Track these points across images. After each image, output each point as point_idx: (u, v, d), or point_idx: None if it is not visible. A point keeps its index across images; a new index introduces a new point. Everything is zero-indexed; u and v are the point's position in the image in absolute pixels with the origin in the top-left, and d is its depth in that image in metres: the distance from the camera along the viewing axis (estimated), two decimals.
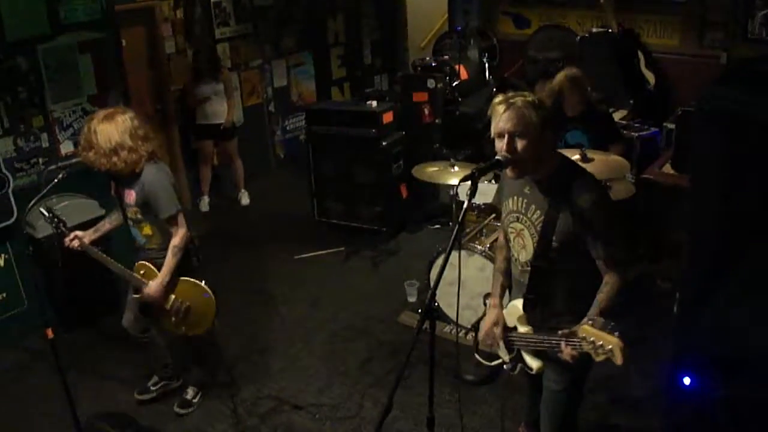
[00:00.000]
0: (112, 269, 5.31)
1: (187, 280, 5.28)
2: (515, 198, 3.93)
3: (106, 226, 5.41)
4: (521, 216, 3.89)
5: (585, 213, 3.66)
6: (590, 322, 3.49)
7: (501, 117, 3.64)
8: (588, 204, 3.67)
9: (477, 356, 4.65)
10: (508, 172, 3.77)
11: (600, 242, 3.71)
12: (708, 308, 2.85)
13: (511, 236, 4.00)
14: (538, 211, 3.80)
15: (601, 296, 3.73)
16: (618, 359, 3.34)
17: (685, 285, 3.19)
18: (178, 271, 5.22)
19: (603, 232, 3.70)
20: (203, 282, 5.30)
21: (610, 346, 3.34)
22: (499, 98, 3.71)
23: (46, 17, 6.96)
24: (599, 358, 3.42)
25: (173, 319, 5.33)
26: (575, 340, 3.54)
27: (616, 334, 3.35)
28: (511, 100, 3.64)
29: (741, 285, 2.75)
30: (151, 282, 5.20)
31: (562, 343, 3.63)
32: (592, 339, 3.41)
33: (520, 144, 3.63)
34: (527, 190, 3.86)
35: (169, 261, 5.15)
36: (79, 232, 5.24)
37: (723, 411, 2.94)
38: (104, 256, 5.30)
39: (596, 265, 3.79)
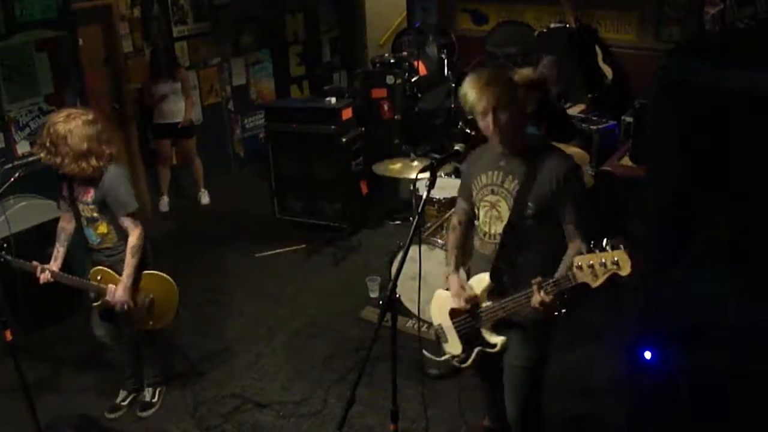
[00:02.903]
0: (81, 288, 5.27)
1: (146, 273, 5.26)
2: (490, 172, 4.00)
3: (60, 251, 5.29)
4: (497, 188, 3.96)
5: (560, 179, 3.78)
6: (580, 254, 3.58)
7: (483, 95, 3.70)
8: (563, 170, 3.81)
9: (426, 353, 4.67)
10: (497, 146, 3.86)
11: (571, 207, 3.82)
12: (667, 282, 2.88)
13: (483, 210, 4.05)
14: (516, 181, 3.88)
15: (568, 259, 3.80)
16: (626, 267, 3.36)
17: (646, 258, 3.22)
18: (137, 268, 5.19)
19: (575, 198, 3.82)
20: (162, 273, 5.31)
21: (615, 257, 3.37)
22: (477, 77, 3.77)
23: (1, 15, 6.88)
24: (599, 281, 3.46)
25: (137, 315, 5.30)
26: (566, 276, 3.60)
27: (621, 246, 3.37)
28: (491, 81, 3.71)
29: (700, 257, 2.78)
30: (111, 287, 5.15)
31: (535, 289, 3.69)
32: (590, 263, 3.45)
33: (503, 117, 3.72)
34: (503, 163, 3.95)
35: (130, 262, 5.11)
36: (46, 267, 5.16)
37: (684, 383, 2.98)
38: (75, 278, 5.25)
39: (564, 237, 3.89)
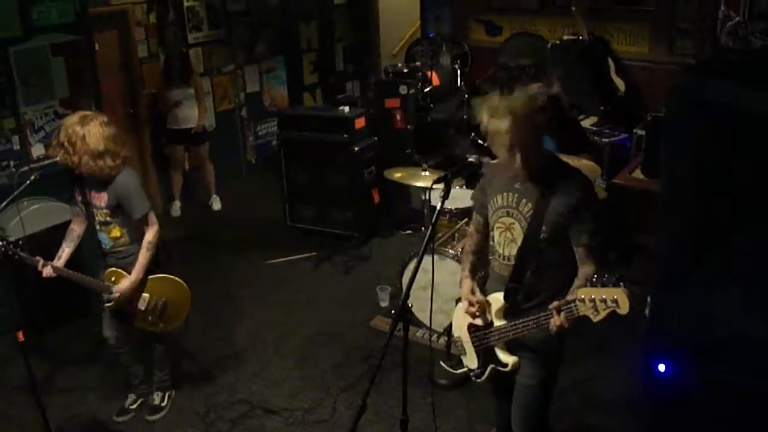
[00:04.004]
0: (84, 285, 5.30)
1: (158, 276, 5.31)
2: (505, 194, 3.98)
3: (65, 251, 5.32)
4: (512, 210, 3.95)
5: (575, 201, 3.77)
6: (586, 285, 3.58)
7: (511, 130, 3.66)
8: (579, 192, 3.80)
9: (443, 364, 4.67)
10: (519, 175, 3.85)
11: (585, 230, 3.81)
12: (682, 295, 2.89)
13: (498, 231, 4.05)
14: (530, 204, 3.87)
15: (579, 282, 3.79)
16: (624, 307, 3.38)
17: (660, 273, 3.24)
18: (148, 269, 5.24)
19: (590, 221, 3.80)
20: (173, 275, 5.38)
21: (614, 296, 3.38)
22: (497, 116, 3.72)
23: (18, 19, 6.92)
24: (600, 316, 3.47)
25: (150, 318, 5.33)
26: (569, 306, 3.60)
27: (621, 284, 3.39)
28: (519, 115, 3.66)
29: (715, 273, 2.79)
30: (122, 280, 5.19)
31: (554, 313, 3.66)
32: (592, 297, 3.46)
33: (531, 151, 3.73)
34: (518, 185, 3.93)
35: (143, 257, 5.17)
36: (48, 262, 5.16)
37: (698, 396, 2.99)
38: (77, 274, 5.28)
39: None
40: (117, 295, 5.19)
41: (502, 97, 3.77)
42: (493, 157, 3.97)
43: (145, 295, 5.30)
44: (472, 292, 4.13)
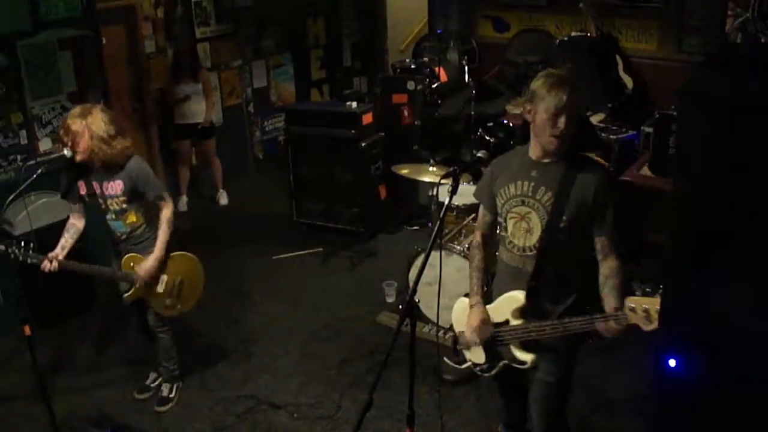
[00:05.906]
0: (98, 276, 5.33)
1: (172, 255, 5.40)
2: (519, 182, 3.91)
3: (69, 241, 5.33)
4: (527, 199, 3.88)
5: (598, 190, 3.76)
6: (636, 294, 3.57)
7: (560, 97, 3.66)
8: (602, 182, 3.79)
9: (447, 360, 4.62)
10: (553, 147, 3.79)
11: (608, 219, 3.79)
12: (694, 290, 2.87)
13: (511, 222, 3.96)
14: (549, 193, 3.81)
15: (614, 282, 3.79)
16: None
17: (670, 267, 3.22)
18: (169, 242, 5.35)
19: (611, 211, 3.79)
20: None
21: None
22: (553, 80, 3.74)
23: (26, 13, 6.93)
24: (653, 326, 3.44)
25: (167, 302, 5.44)
26: (617, 316, 3.60)
27: None
28: (568, 83, 3.71)
29: (728, 267, 2.77)
30: (143, 263, 5.27)
31: (606, 319, 3.66)
32: (645, 307, 3.44)
33: (571, 122, 3.71)
34: (535, 173, 3.87)
35: (163, 234, 5.27)
36: (51, 254, 5.17)
37: (709, 394, 2.97)
38: (88, 266, 5.35)
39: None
40: (143, 275, 5.26)
41: (560, 76, 3.76)
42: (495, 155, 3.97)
43: (164, 276, 5.38)
44: (485, 322, 4.06)
